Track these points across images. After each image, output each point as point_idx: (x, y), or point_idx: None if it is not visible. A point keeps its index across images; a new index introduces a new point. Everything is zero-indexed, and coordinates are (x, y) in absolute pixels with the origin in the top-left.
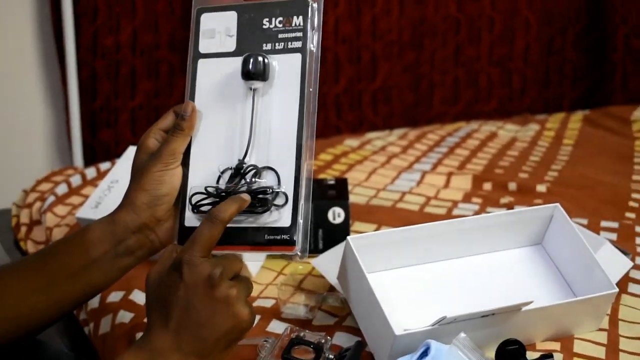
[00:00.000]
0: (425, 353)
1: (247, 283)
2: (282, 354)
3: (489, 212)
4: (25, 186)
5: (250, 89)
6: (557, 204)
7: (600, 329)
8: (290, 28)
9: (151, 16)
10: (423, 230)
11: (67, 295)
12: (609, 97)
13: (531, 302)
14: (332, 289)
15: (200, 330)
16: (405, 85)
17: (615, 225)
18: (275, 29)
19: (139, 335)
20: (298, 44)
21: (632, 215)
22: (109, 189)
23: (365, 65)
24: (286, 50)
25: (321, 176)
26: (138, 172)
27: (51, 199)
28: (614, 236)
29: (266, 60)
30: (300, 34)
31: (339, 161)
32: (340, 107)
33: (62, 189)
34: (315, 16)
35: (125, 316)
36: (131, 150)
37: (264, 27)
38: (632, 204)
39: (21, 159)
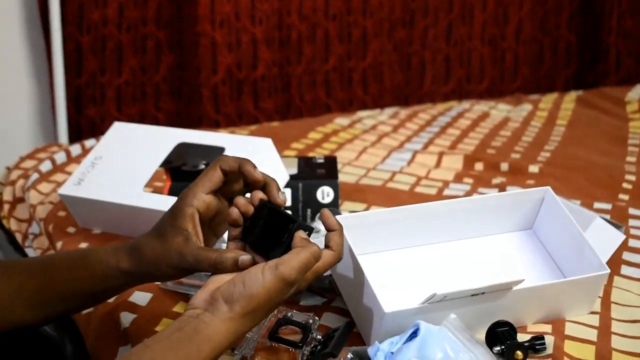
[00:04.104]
0: (414, 334)
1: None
2: (269, 334)
3: (480, 193)
4: (8, 163)
5: None
6: (548, 187)
7: (593, 312)
8: None
9: None
10: (413, 212)
11: (64, 310)
12: (603, 78)
13: (522, 281)
14: None
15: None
16: (395, 63)
17: (608, 207)
18: None
19: (123, 314)
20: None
21: (625, 197)
22: (93, 165)
23: (356, 42)
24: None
25: (310, 154)
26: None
27: (35, 176)
28: (606, 218)
29: None
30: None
31: (328, 140)
32: (330, 85)
33: (46, 166)
34: None
35: None
36: (116, 127)
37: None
38: (625, 185)
39: (4, 135)
